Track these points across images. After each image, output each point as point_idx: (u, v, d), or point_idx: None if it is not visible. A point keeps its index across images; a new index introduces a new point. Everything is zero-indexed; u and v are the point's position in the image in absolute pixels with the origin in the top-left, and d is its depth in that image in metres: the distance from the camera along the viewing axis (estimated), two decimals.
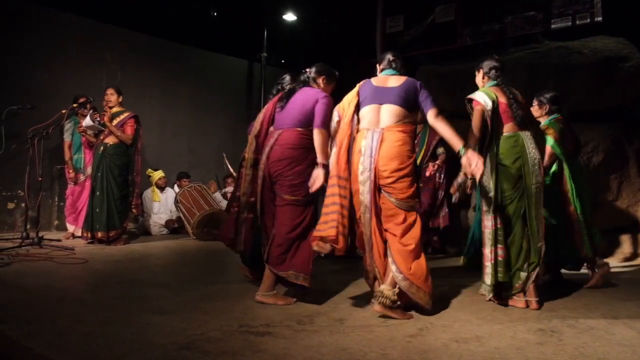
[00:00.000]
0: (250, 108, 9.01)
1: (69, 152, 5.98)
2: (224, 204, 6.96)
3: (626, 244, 5.52)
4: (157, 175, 7.03)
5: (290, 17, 8.19)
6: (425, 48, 6.69)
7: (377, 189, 2.97)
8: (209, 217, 6.26)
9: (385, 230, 3.02)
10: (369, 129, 3.03)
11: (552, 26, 5.65)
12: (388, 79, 3.16)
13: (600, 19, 5.36)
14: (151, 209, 6.80)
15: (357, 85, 3.24)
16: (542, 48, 5.79)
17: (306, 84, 3.41)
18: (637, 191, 5.65)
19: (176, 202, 6.52)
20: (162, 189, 7.07)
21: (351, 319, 2.87)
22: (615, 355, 2.37)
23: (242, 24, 8.27)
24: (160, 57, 7.84)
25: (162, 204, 6.97)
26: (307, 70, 3.47)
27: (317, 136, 3.12)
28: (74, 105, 5.67)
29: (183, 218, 6.45)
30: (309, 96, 3.27)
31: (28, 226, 5.19)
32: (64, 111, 5.53)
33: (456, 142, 2.98)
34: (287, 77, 3.62)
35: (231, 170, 7.27)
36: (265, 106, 3.49)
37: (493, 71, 3.49)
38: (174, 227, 6.83)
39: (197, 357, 2.17)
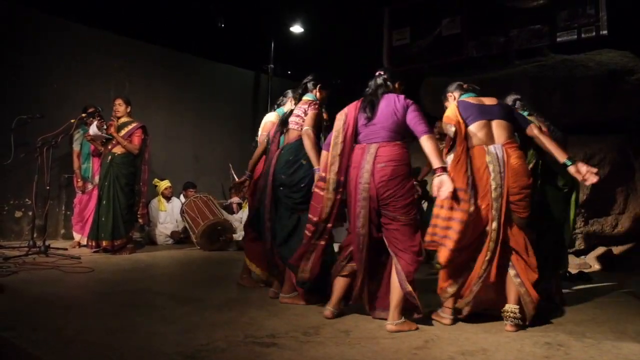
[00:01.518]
0: (256, 118, 9.04)
1: (77, 162, 6.02)
2: (234, 217, 6.98)
3: (634, 256, 5.49)
4: (164, 185, 7.06)
5: (297, 29, 8.26)
6: (432, 60, 6.72)
7: (507, 205, 2.98)
8: (213, 227, 6.27)
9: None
10: (487, 144, 3.05)
11: (558, 39, 5.68)
12: (481, 99, 3.23)
13: (605, 32, 5.39)
14: (157, 219, 6.83)
15: (454, 103, 3.23)
16: (548, 61, 5.82)
17: (386, 89, 3.12)
18: None
19: (182, 212, 6.54)
20: (168, 198, 7.10)
21: (357, 330, 2.86)
22: None
23: (249, 35, 8.34)
24: (168, 67, 7.91)
25: (168, 214, 6.99)
26: (380, 75, 3.18)
27: (428, 142, 2.86)
28: (83, 114, 5.71)
29: (188, 228, 6.46)
30: (398, 104, 2.99)
31: (35, 234, 5.22)
32: (73, 120, 5.58)
33: (560, 154, 3.07)
34: (378, 81, 3.18)
35: (237, 180, 7.29)
36: (343, 119, 3.13)
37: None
38: (180, 238, 6.84)
39: None
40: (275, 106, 4.31)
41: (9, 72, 6.12)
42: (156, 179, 7.08)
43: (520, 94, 3.69)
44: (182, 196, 7.35)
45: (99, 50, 7.03)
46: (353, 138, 3.08)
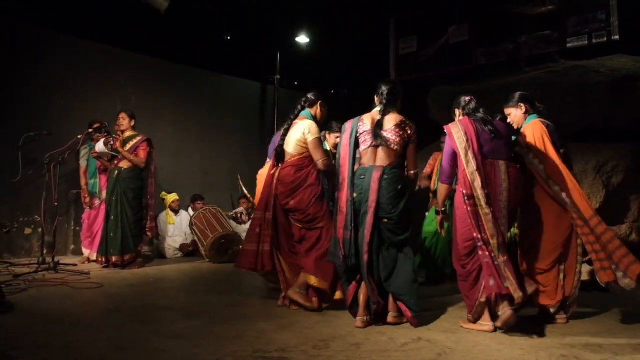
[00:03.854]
0: (263, 130, 9.06)
1: (84, 178, 6.01)
2: (242, 228, 6.95)
3: None
4: (171, 198, 7.05)
5: (303, 39, 8.26)
6: (439, 69, 6.67)
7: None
8: (222, 239, 6.24)
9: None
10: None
11: (568, 45, 5.59)
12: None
13: (617, 37, 5.29)
14: (166, 232, 6.81)
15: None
16: (558, 67, 5.73)
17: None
18: None
19: (191, 224, 6.52)
20: (176, 211, 7.09)
21: (367, 343, 2.80)
22: None
23: (255, 47, 8.36)
24: (173, 80, 7.93)
25: (176, 227, 6.97)
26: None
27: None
28: (90, 130, 5.73)
29: (197, 240, 6.44)
30: (506, 126, 3.42)
31: (45, 251, 5.21)
32: (79, 136, 5.57)
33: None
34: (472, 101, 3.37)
35: (245, 192, 7.28)
36: (467, 132, 3.18)
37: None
38: (189, 251, 6.82)
39: None
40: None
41: (16, 90, 6.14)
42: (164, 192, 7.08)
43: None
44: (190, 209, 7.33)
45: (105, 66, 7.05)
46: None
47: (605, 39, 5.44)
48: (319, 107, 3.77)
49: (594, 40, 5.51)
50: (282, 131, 3.73)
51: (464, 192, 3.12)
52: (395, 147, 3.22)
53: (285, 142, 3.69)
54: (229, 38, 8.01)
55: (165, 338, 2.80)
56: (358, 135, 3.29)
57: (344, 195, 3.21)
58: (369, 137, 3.24)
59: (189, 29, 7.46)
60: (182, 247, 6.82)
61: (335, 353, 2.60)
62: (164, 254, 6.71)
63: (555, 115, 5.48)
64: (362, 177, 3.22)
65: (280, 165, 3.71)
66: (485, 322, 3.12)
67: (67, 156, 5.46)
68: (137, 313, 3.44)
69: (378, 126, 3.24)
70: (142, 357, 2.45)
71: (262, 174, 4.09)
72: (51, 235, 5.42)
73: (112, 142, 5.64)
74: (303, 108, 3.71)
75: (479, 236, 3.05)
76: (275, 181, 3.66)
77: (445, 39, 6.59)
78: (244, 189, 7.22)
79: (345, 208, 3.19)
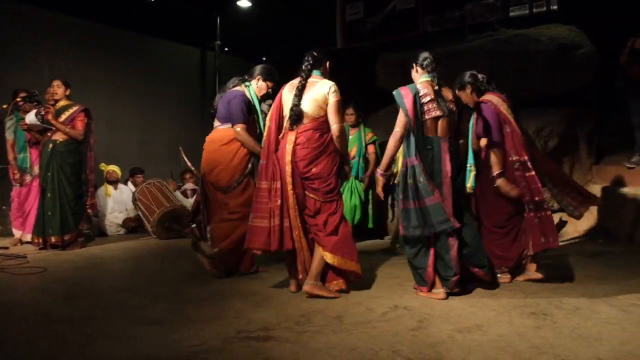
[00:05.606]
0: (204, 99, 8.70)
1: (12, 152, 5.50)
2: (189, 201, 6.68)
3: (579, 222, 5.78)
4: (110, 168, 6.64)
5: (244, 2, 7.91)
6: (386, 36, 6.66)
7: None
8: (170, 214, 5.99)
9: None
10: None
11: (511, 14, 5.79)
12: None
13: (555, 7, 5.54)
14: (105, 207, 6.42)
15: None
16: (502, 35, 5.92)
17: None
18: (587, 172, 5.94)
19: (134, 200, 6.19)
20: (113, 183, 6.67)
21: (348, 315, 2.81)
22: (608, 334, 2.46)
23: (193, 9, 7.91)
24: (105, 45, 7.41)
25: (116, 202, 6.58)
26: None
27: None
28: (17, 100, 5.21)
29: (142, 216, 6.13)
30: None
31: None
32: (5, 106, 5.10)
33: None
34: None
35: (189, 164, 6.98)
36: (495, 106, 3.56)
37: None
38: (133, 227, 6.49)
39: None
40: None
41: None
42: (103, 163, 6.64)
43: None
44: (129, 183, 6.95)
45: (30, 29, 6.45)
46: None
47: (545, 8, 5.69)
48: (326, 67, 3.50)
49: (535, 10, 5.74)
50: (295, 91, 3.31)
51: (517, 158, 3.50)
52: (455, 118, 3.30)
53: (302, 103, 3.30)
54: None
55: (138, 324, 2.65)
56: (421, 102, 3.22)
57: (407, 163, 3.22)
58: (432, 107, 3.21)
59: None
60: (126, 223, 6.47)
61: (320, 328, 2.59)
62: (105, 231, 6.35)
63: (500, 82, 5.71)
64: (430, 147, 3.20)
65: (295, 128, 3.30)
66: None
67: None
68: (97, 298, 3.23)
69: (440, 97, 3.22)
70: (122, 348, 2.30)
71: (213, 140, 3.84)
72: None
73: (42, 113, 5.15)
74: (312, 67, 3.37)
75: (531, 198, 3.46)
76: (292, 146, 3.26)
77: (393, 5, 6.57)
78: (187, 161, 6.92)
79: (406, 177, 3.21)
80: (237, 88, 3.90)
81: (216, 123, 3.92)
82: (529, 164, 3.49)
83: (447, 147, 3.22)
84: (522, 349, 2.28)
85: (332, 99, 3.26)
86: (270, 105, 3.62)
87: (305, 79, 3.32)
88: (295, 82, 3.36)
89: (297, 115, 3.27)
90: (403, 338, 2.43)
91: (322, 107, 3.28)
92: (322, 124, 3.30)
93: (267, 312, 2.89)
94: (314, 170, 3.25)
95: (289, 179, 3.24)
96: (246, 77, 3.96)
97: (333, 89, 3.27)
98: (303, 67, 3.36)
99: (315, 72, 3.38)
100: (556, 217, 4.26)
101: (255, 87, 3.91)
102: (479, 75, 3.67)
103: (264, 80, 3.91)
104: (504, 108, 3.59)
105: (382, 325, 2.63)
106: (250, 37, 8.42)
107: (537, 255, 3.57)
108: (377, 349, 2.29)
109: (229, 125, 3.79)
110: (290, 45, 7.93)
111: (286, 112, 3.36)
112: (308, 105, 3.27)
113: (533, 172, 3.48)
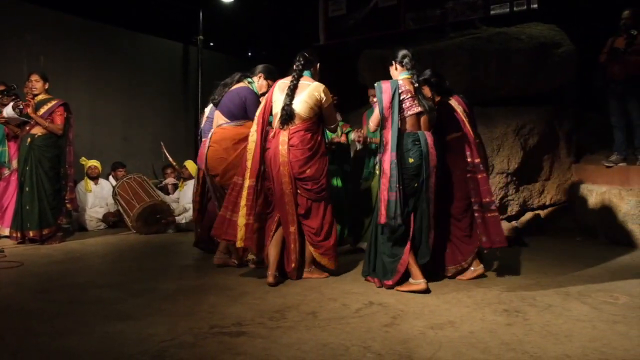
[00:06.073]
0: (186, 94, 8.63)
1: None
2: (170, 197, 6.64)
3: (559, 220, 5.87)
4: (91, 163, 6.56)
5: None
6: (368, 32, 6.68)
7: None
8: (150, 209, 5.95)
9: None
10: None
11: (492, 12, 5.83)
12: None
13: (535, 6, 5.60)
14: (85, 202, 6.36)
15: None
16: (483, 34, 5.96)
17: None
18: (567, 170, 6.01)
19: (114, 194, 6.13)
20: (94, 179, 6.60)
21: (323, 311, 2.83)
22: (578, 332, 2.50)
23: (176, 4, 7.84)
24: (87, 39, 7.27)
25: (96, 196, 6.52)
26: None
27: None
28: None
29: (122, 211, 6.08)
30: None
31: None
32: None
33: None
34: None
35: (170, 159, 6.95)
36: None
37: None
38: (113, 221, 6.43)
39: None
40: None
41: None
42: (83, 158, 6.57)
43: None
44: (110, 177, 6.89)
45: (8, 21, 6.31)
46: None
47: (525, 7, 5.74)
48: (316, 68, 3.55)
49: (515, 8, 5.79)
50: (287, 91, 3.35)
51: (471, 160, 3.53)
52: (435, 115, 3.38)
53: (293, 103, 3.36)
54: None
55: (112, 320, 2.64)
56: (401, 99, 3.27)
57: (388, 157, 3.22)
58: (414, 104, 3.28)
59: None
60: (106, 217, 6.41)
61: (293, 324, 2.60)
62: (85, 226, 6.28)
63: (481, 80, 5.76)
64: (417, 142, 3.25)
65: (286, 128, 3.36)
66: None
67: None
68: (72, 293, 3.20)
69: (421, 94, 3.32)
70: (92, 343, 2.29)
71: (224, 138, 3.77)
72: None
73: (21, 107, 5.09)
74: (303, 68, 3.42)
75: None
76: (286, 147, 3.32)
77: (375, 2, 6.58)
78: (169, 157, 6.89)
79: (389, 170, 3.20)
80: (241, 84, 3.90)
81: (220, 119, 3.86)
82: (481, 166, 3.55)
83: (433, 141, 3.31)
84: (492, 345, 2.31)
85: (327, 102, 3.39)
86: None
87: (297, 79, 3.37)
88: (287, 81, 3.41)
89: (288, 115, 3.34)
90: (375, 334, 2.45)
91: (313, 108, 3.36)
92: (312, 125, 3.39)
93: (242, 307, 2.89)
94: (308, 172, 3.36)
95: (285, 179, 3.36)
96: (248, 74, 3.99)
97: (324, 92, 3.38)
98: (294, 67, 3.43)
99: (306, 73, 3.45)
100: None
101: (257, 85, 3.95)
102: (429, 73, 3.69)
103: (265, 78, 3.95)
104: (460, 110, 3.61)
105: (356, 322, 2.65)
106: (233, 32, 8.37)
107: (481, 253, 3.67)
108: (348, 344, 2.31)
109: (237, 122, 3.77)
110: (272, 40, 7.92)
111: (276, 111, 3.42)
112: (299, 106, 3.34)
113: (484, 174, 3.56)
